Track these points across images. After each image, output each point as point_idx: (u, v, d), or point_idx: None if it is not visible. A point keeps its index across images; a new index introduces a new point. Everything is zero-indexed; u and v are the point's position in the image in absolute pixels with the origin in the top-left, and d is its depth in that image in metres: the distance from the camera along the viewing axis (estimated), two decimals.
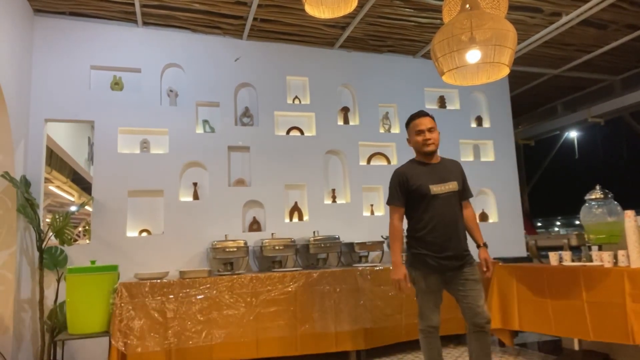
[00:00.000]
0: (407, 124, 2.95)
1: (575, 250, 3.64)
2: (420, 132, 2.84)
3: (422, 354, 2.88)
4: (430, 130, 2.83)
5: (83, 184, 7.57)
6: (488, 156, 5.80)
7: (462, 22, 2.71)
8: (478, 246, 2.83)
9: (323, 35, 5.00)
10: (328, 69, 5.24)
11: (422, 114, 2.90)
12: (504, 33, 2.65)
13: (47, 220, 4.56)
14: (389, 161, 5.32)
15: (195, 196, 4.60)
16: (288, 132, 5.07)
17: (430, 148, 2.83)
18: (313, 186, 4.95)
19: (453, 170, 2.88)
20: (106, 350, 3.62)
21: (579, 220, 3.62)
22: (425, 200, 2.76)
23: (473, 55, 2.76)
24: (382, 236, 4.74)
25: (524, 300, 3.72)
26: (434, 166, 2.86)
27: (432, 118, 2.89)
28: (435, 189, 2.76)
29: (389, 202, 2.87)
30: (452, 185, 2.79)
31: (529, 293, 3.68)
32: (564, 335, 3.56)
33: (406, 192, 2.80)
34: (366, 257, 4.62)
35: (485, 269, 2.75)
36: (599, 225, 3.41)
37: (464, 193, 2.90)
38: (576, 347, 3.63)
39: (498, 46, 2.65)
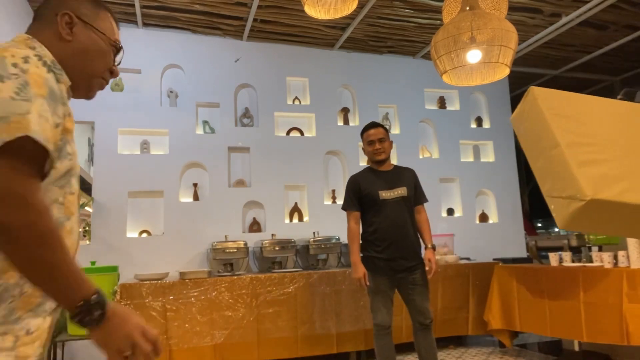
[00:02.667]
0: (361, 135, 3.17)
1: (575, 251, 3.64)
2: (371, 142, 3.07)
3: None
4: (380, 140, 3.05)
5: (83, 185, 7.57)
6: (488, 157, 5.80)
7: (462, 22, 2.71)
8: (426, 247, 2.98)
9: (323, 36, 5.00)
10: (328, 69, 5.25)
11: (372, 125, 3.11)
12: (507, 34, 2.65)
13: None
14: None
15: (196, 197, 4.60)
16: (288, 132, 5.07)
17: (381, 157, 3.05)
18: (313, 187, 4.95)
19: (404, 177, 3.06)
20: None
21: None
22: (375, 205, 2.98)
23: (473, 56, 2.76)
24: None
25: (523, 300, 3.72)
26: (386, 173, 3.07)
27: (385, 129, 3.11)
28: (384, 194, 2.97)
29: (343, 208, 3.13)
30: (401, 191, 2.98)
31: (527, 294, 3.68)
32: (559, 337, 3.56)
33: (359, 197, 3.04)
34: None
35: (427, 269, 2.92)
36: None
37: (417, 198, 3.06)
38: (576, 348, 3.63)
39: (501, 46, 2.65)
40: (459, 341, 4.51)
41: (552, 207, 1.25)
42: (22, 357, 0.85)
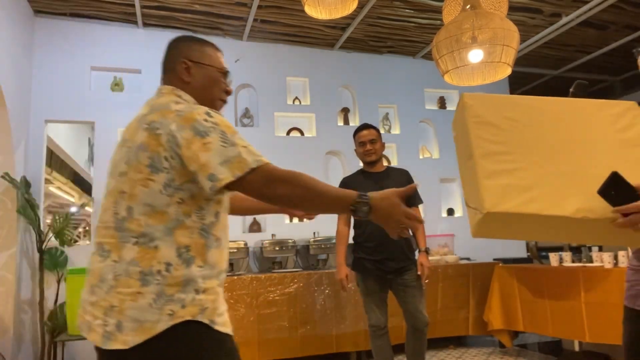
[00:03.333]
0: (354, 136, 3.17)
1: (576, 251, 3.64)
2: (362, 143, 3.07)
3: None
4: (372, 142, 3.03)
5: (83, 185, 7.57)
6: None
7: (464, 21, 2.71)
8: (419, 251, 2.96)
9: (323, 36, 5.01)
10: (328, 69, 5.25)
11: (364, 126, 3.10)
12: (509, 33, 2.65)
13: (48, 221, 4.56)
14: (389, 162, 5.32)
15: None
16: (288, 132, 5.07)
17: (371, 158, 3.05)
18: None
19: (395, 178, 3.00)
20: None
21: None
22: None
23: (475, 55, 2.76)
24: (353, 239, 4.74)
25: (523, 301, 3.72)
26: (376, 175, 3.05)
27: (377, 130, 3.09)
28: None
29: None
30: None
31: (528, 294, 3.68)
32: (561, 337, 3.56)
33: None
34: None
35: (419, 273, 2.88)
36: None
37: (409, 200, 3.00)
38: (576, 348, 3.63)
39: (503, 46, 2.65)
40: (459, 341, 4.50)
41: (468, 216, 1.30)
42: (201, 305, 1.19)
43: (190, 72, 1.35)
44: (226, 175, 1.13)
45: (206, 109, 1.23)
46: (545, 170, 1.25)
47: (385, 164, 3.29)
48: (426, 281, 2.93)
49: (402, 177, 3.05)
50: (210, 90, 1.38)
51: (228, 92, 1.44)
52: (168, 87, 1.35)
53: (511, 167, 1.24)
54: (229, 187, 1.16)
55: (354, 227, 3.10)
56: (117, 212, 1.22)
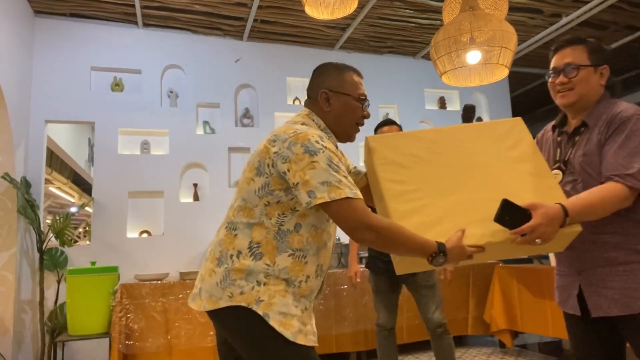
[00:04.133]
0: (375, 131, 3.03)
1: None
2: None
3: (422, 355, 2.93)
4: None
5: (83, 185, 7.57)
6: None
7: (462, 22, 2.71)
8: None
9: (323, 36, 5.01)
10: None
11: (386, 122, 2.93)
12: (507, 35, 2.65)
13: (48, 221, 4.56)
14: None
15: (196, 197, 4.60)
16: None
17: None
18: None
19: None
20: (106, 352, 3.62)
21: None
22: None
23: (474, 56, 2.76)
24: None
25: (523, 301, 3.72)
26: None
27: (399, 127, 2.90)
28: None
29: None
30: None
31: (528, 294, 3.68)
32: (561, 337, 3.55)
33: None
34: (367, 258, 4.62)
35: (442, 277, 2.85)
36: None
37: None
38: None
39: (501, 48, 2.65)
40: (459, 341, 4.50)
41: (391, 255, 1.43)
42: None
43: (330, 102, 1.51)
44: (322, 195, 1.29)
45: (321, 133, 1.41)
46: (449, 202, 1.40)
47: None
48: (446, 281, 2.88)
49: None
50: (347, 118, 1.53)
51: (365, 117, 1.57)
52: (306, 110, 1.55)
53: (419, 205, 1.40)
54: (323, 207, 1.32)
55: None
56: (234, 202, 1.47)
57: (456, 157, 1.48)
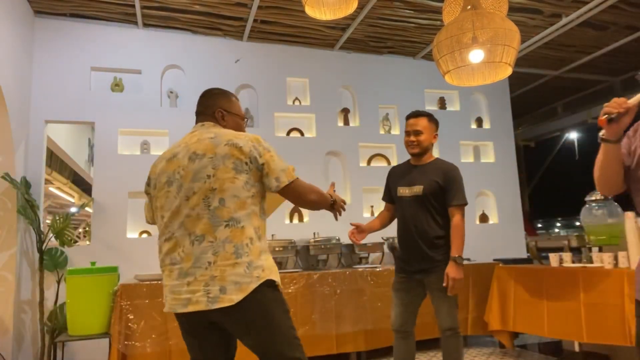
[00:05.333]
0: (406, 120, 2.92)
1: (576, 251, 3.64)
2: (407, 133, 2.81)
3: (433, 354, 2.87)
4: (416, 132, 2.75)
5: (83, 186, 7.57)
6: (488, 157, 5.80)
7: (465, 22, 2.70)
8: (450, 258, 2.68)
9: (323, 36, 5.01)
10: (328, 70, 5.25)
11: (413, 114, 2.82)
12: (510, 33, 2.64)
13: (48, 221, 4.56)
14: (389, 162, 5.32)
15: None
16: (288, 133, 5.07)
17: (413, 150, 2.78)
18: None
19: (432, 174, 2.73)
20: (106, 352, 3.61)
21: (580, 222, 3.62)
22: (396, 201, 2.86)
23: (476, 55, 2.75)
24: (382, 238, 4.74)
25: (523, 301, 3.72)
26: (418, 168, 2.80)
27: (428, 119, 2.78)
28: (402, 191, 2.81)
29: (382, 198, 3.03)
30: (416, 189, 2.73)
31: (527, 294, 3.67)
32: (557, 337, 3.56)
33: (389, 189, 2.94)
34: (366, 258, 4.62)
35: (444, 284, 2.60)
36: (599, 226, 3.41)
37: (448, 200, 2.70)
38: (577, 348, 3.63)
39: (504, 46, 2.64)
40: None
41: None
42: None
43: (225, 119, 1.92)
44: (284, 180, 1.74)
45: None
46: None
47: (436, 155, 2.89)
48: (451, 293, 2.62)
49: (438, 174, 2.73)
50: (237, 130, 1.93)
51: (246, 125, 2.11)
52: (210, 123, 1.89)
53: None
54: (283, 189, 1.75)
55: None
56: (209, 204, 1.67)
57: None
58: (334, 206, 1.94)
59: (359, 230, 2.74)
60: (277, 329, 1.69)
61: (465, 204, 2.72)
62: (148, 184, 1.95)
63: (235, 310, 1.61)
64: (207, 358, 1.79)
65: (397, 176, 2.89)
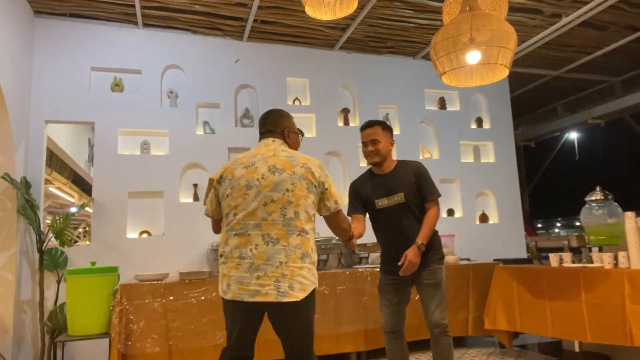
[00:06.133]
0: (361, 132, 2.90)
1: (576, 251, 3.64)
2: (363, 144, 2.81)
3: (423, 355, 2.87)
4: (373, 142, 2.76)
5: (83, 186, 7.57)
6: (488, 157, 5.80)
7: (462, 23, 2.71)
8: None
9: (323, 36, 5.01)
10: (328, 70, 5.25)
11: (366, 124, 2.82)
12: (506, 35, 2.64)
13: (48, 221, 4.56)
14: None
15: (196, 197, 4.59)
16: None
17: (373, 160, 2.78)
18: None
19: (404, 178, 2.75)
20: (106, 352, 3.61)
21: (580, 222, 3.62)
22: (374, 213, 2.81)
23: (472, 57, 2.75)
24: None
25: (523, 301, 3.72)
26: (384, 177, 2.80)
27: (382, 127, 2.80)
28: (380, 203, 2.77)
29: (348, 213, 2.81)
30: (398, 198, 2.73)
31: (528, 294, 3.67)
32: (561, 337, 3.55)
33: (360, 202, 2.83)
34: (366, 258, 4.62)
35: (399, 263, 2.63)
36: (599, 226, 3.41)
37: (423, 196, 2.75)
38: (577, 348, 3.63)
39: (500, 47, 2.64)
40: (459, 342, 4.50)
41: None
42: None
43: (290, 136, 2.28)
44: (338, 205, 2.10)
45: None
46: None
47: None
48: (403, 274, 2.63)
49: (410, 175, 2.76)
50: (298, 144, 2.37)
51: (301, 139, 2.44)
52: (279, 141, 2.22)
53: None
54: (333, 212, 2.12)
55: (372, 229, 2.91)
56: (285, 214, 1.96)
57: None
58: (351, 240, 2.31)
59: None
60: (312, 332, 2.00)
61: (439, 195, 2.81)
62: (219, 182, 2.12)
63: (295, 307, 1.90)
64: (243, 339, 2.05)
65: (367, 189, 2.82)
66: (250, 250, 1.93)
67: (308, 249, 1.98)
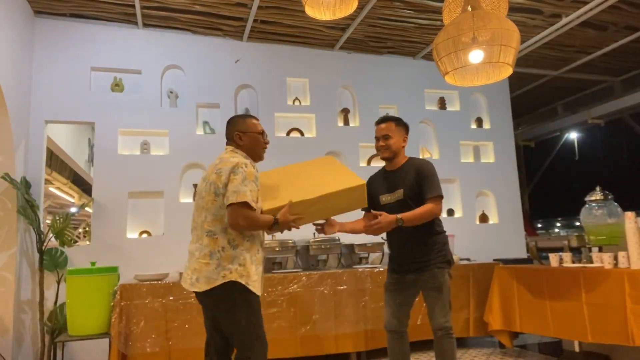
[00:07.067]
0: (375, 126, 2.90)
1: (576, 251, 3.64)
2: (376, 138, 2.82)
3: (423, 355, 2.86)
4: (384, 137, 2.77)
5: (83, 186, 7.57)
6: (488, 157, 5.80)
7: (463, 22, 2.71)
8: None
9: (323, 36, 5.01)
10: (328, 70, 5.25)
11: (381, 120, 2.84)
12: (507, 33, 2.64)
13: (48, 221, 4.56)
14: None
15: None
16: (288, 133, 5.07)
17: (383, 155, 2.81)
18: None
19: (407, 175, 2.73)
20: (106, 352, 3.61)
21: (580, 222, 3.62)
22: (380, 209, 2.74)
23: (476, 55, 2.75)
24: (382, 238, 4.72)
25: (523, 301, 3.72)
26: (392, 173, 2.82)
27: (395, 122, 2.80)
28: (384, 199, 2.79)
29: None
30: (397, 194, 2.73)
31: (528, 294, 3.67)
32: (562, 337, 3.55)
33: (370, 198, 2.76)
34: (366, 258, 4.62)
35: (371, 223, 2.57)
36: (599, 226, 3.41)
37: (422, 195, 2.67)
38: (577, 348, 3.63)
39: (501, 46, 2.64)
40: (459, 342, 4.48)
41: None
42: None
43: (242, 139, 2.36)
44: (231, 200, 2.11)
45: (244, 160, 2.24)
46: (289, 193, 2.37)
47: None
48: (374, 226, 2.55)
49: (412, 173, 2.72)
50: (255, 147, 2.39)
51: (266, 142, 2.46)
52: (230, 147, 2.37)
53: (275, 199, 2.34)
54: (229, 207, 2.13)
55: None
56: (201, 218, 2.22)
57: (294, 176, 2.61)
58: (275, 227, 2.25)
59: (329, 223, 2.66)
60: (237, 323, 2.18)
61: (440, 195, 2.66)
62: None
63: (205, 296, 2.18)
64: (206, 327, 2.36)
65: (376, 185, 2.84)
66: (190, 247, 2.28)
67: (217, 247, 2.15)
